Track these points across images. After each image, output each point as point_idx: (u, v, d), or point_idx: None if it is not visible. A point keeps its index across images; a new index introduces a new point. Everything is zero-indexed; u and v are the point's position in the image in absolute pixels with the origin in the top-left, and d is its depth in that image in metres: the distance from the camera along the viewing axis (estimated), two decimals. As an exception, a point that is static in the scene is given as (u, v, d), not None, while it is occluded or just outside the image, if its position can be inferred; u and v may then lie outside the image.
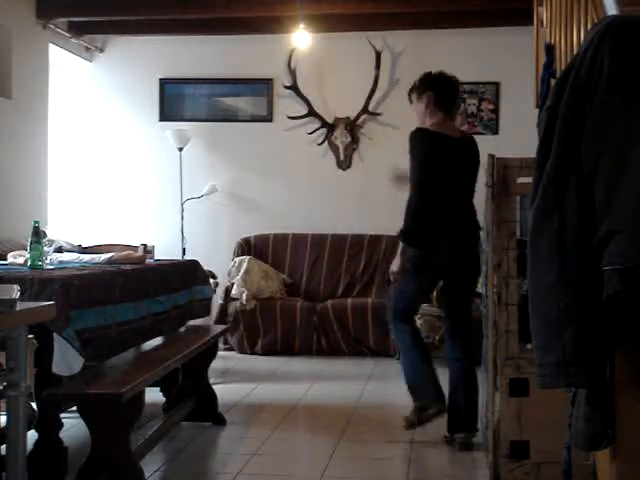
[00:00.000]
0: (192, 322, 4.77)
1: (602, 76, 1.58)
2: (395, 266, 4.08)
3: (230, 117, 7.52)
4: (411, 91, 4.15)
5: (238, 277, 6.77)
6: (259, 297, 6.70)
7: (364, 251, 7.16)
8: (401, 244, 4.07)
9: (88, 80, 7.57)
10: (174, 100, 7.55)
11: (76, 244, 5.03)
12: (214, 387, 4.47)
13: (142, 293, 3.70)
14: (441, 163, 3.97)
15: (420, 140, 3.97)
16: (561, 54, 3.04)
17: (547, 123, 1.68)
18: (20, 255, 3.77)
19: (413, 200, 3.93)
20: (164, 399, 4.48)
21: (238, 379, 5.55)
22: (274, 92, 7.42)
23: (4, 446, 2.30)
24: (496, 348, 3.25)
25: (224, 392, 4.79)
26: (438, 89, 4.03)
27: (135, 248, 4.43)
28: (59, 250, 4.16)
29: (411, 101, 4.15)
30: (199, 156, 7.46)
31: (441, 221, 3.96)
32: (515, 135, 6.65)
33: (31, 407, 3.23)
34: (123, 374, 3.24)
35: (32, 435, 3.10)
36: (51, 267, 3.61)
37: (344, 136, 7.30)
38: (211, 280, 6.58)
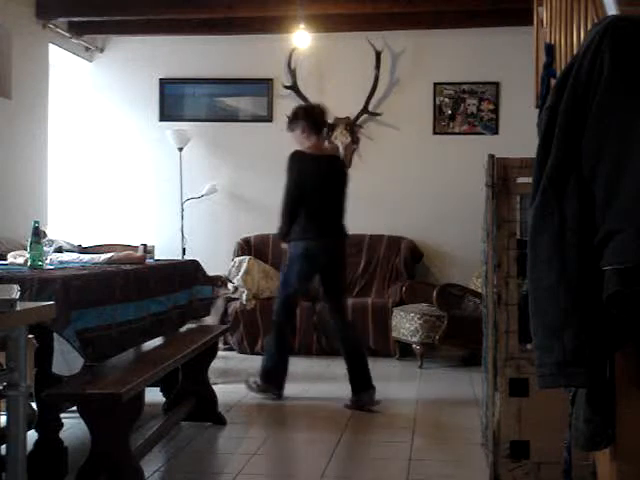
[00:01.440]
0: (197, 322, 4.79)
1: (602, 76, 1.58)
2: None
3: (230, 117, 7.52)
4: (288, 123, 5.07)
5: (238, 277, 6.77)
6: (259, 297, 6.71)
7: (364, 251, 7.16)
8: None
9: (88, 80, 7.57)
10: (174, 100, 7.55)
11: (76, 244, 5.02)
12: (214, 387, 4.47)
13: (142, 293, 3.70)
14: (311, 178, 4.88)
15: (295, 161, 4.89)
16: (561, 54, 3.05)
17: (547, 123, 1.68)
18: (20, 255, 3.77)
19: (285, 209, 4.85)
20: (164, 399, 4.48)
21: (238, 379, 5.55)
22: (274, 92, 7.42)
23: (4, 446, 2.31)
24: (496, 348, 3.25)
25: (224, 392, 4.80)
26: (307, 118, 4.93)
27: (135, 248, 4.42)
28: (59, 250, 4.16)
29: (290, 130, 5.05)
30: (199, 156, 7.46)
31: (310, 225, 4.82)
32: (515, 135, 6.66)
33: (31, 407, 3.23)
34: (123, 374, 3.23)
35: (32, 435, 3.10)
36: (51, 267, 3.60)
37: (344, 136, 7.29)
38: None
